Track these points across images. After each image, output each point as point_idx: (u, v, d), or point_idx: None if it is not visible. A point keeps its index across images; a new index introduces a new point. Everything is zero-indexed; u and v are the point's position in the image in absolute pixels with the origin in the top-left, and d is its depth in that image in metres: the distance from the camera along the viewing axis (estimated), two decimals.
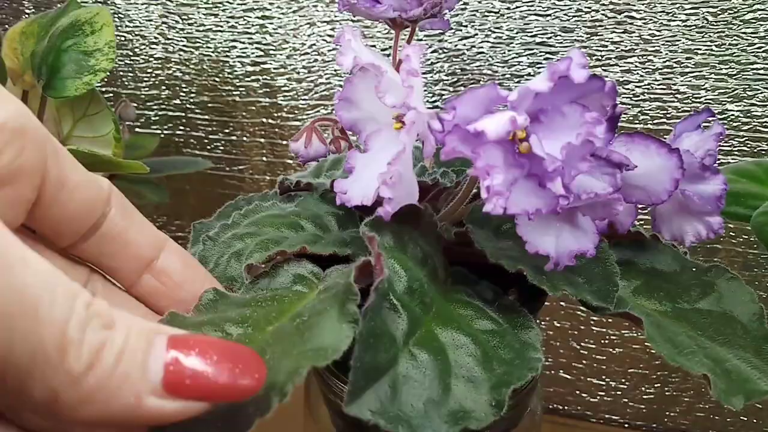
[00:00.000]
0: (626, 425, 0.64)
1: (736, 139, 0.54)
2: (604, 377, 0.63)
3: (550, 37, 0.54)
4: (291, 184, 0.39)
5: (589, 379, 0.64)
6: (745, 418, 0.59)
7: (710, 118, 0.31)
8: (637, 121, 0.55)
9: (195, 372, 0.18)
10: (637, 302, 0.34)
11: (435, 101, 0.59)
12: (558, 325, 0.63)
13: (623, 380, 0.62)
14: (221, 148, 0.65)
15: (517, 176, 0.25)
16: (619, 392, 0.63)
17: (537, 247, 0.28)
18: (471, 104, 0.25)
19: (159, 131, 0.66)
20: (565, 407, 0.65)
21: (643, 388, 0.62)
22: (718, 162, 0.55)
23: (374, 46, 0.58)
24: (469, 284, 0.33)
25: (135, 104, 0.66)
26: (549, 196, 0.25)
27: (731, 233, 0.57)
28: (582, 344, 0.63)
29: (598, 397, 0.64)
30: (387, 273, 0.26)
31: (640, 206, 0.32)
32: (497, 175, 0.24)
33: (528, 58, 0.55)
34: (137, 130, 0.67)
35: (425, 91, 0.59)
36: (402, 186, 0.28)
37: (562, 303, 0.61)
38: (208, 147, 0.65)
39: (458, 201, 0.32)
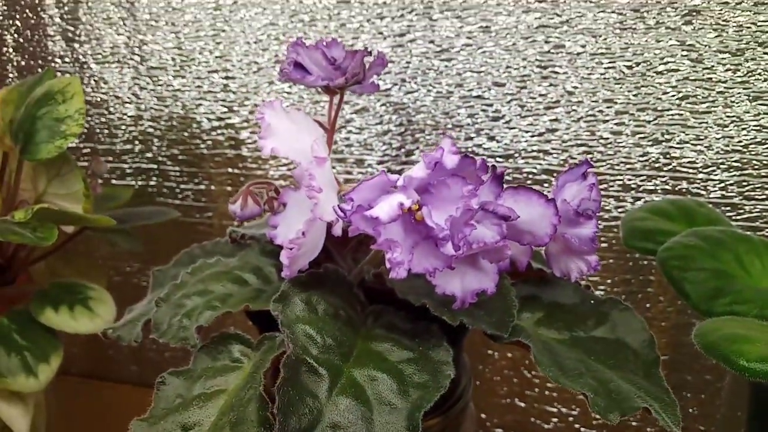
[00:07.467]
0: None
1: (658, 179, 0.59)
2: (555, 404, 0.67)
3: (485, 91, 0.59)
4: (238, 236, 0.44)
5: (542, 406, 0.67)
6: None
7: (588, 170, 0.35)
8: (567, 165, 0.60)
9: None
10: (538, 332, 0.38)
11: (385, 150, 0.64)
12: (510, 355, 0.67)
13: (573, 406, 0.66)
14: (191, 196, 0.70)
15: (418, 240, 0.30)
16: (570, 418, 0.67)
17: (444, 288, 0.32)
18: (365, 192, 0.30)
19: (134, 182, 0.71)
20: None
21: (592, 414, 0.66)
22: (642, 200, 0.60)
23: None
24: (388, 316, 0.37)
25: (110, 158, 0.71)
26: (444, 256, 0.30)
27: None
28: (533, 373, 0.67)
29: (552, 424, 0.67)
30: (292, 348, 0.30)
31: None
32: (397, 249, 0.29)
33: (466, 110, 0.61)
34: (113, 181, 0.72)
35: (377, 140, 0.64)
36: (306, 248, 0.33)
37: None
38: (180, 196, 0.70)
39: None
